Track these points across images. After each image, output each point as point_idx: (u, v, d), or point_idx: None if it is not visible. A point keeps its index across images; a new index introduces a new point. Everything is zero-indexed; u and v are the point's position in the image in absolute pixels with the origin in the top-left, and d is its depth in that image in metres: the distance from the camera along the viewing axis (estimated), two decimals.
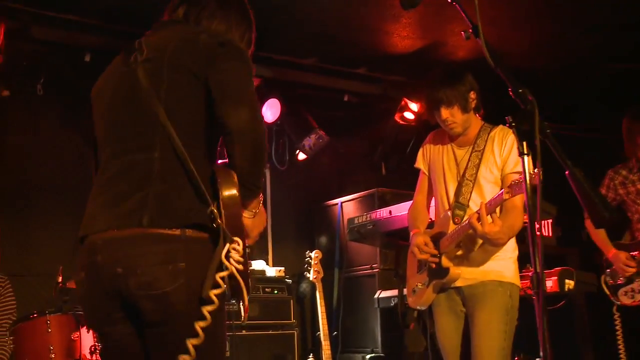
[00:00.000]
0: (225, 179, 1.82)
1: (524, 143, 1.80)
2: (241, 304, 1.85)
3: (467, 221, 2.89)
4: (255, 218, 1.95)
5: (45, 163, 4.90)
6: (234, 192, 1.81)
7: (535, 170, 2.15)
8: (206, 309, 1.72)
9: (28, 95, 4.77)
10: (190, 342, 1.72)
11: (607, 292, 4.04)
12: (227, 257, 1.77)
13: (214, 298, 1.72)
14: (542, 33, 5.10)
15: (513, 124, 1.82)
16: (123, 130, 1.91)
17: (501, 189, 3.03)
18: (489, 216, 2.78)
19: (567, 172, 1.83)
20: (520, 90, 1.81)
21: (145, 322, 1.82)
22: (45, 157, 4.91)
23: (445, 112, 3.03)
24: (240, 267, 1.78)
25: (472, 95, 3.06)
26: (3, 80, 4.43)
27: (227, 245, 1.77)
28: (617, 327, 4.05)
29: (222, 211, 1.79)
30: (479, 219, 2.78)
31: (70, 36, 4.69)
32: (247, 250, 1.85)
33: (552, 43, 5.25)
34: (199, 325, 1.72)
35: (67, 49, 4.72)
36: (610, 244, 4.09)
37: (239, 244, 1.79)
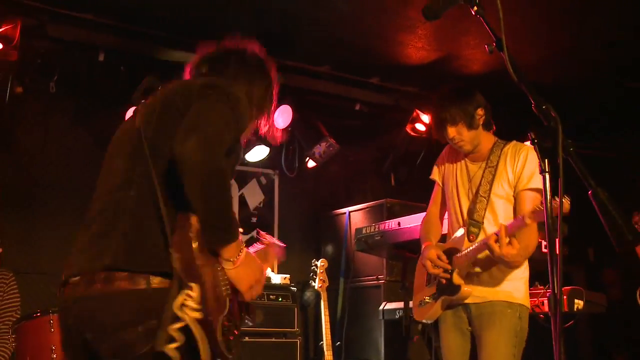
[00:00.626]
0: (181, 221, 1.72)
1: (546, 160, 1.76)
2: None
3: (483, 241, 2.88)
4: (239, 268, 1.80)
5: (54, 161, 4.91)
6: (186, 233, 1.70)
7: (558, 199, 2.12)
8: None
9: (41, 93, 4.78)
10: None
11: None
12: (182, 306, 1.65)
13: (172, 353, 1.62)
14: (555, 47, 5.08)
15: (535, 140, 1.78)
16: (113, 173, 1.90)
17: (514, 206, 3.03)
18: (507, 238, 2.76)
19: (590, 192, 1.78)
20: (543, 106, 1.78)
21: None
22: (55, 155, 4.92)
23: (451, 131, 3.04)
24: (196, 314, 1.66)
25: (480, 112, 3.06)
26: (17, 77, 4.45)
27: (182, 293, 1.65)
28: None
29: (175, 255, 1.69)
30: (497, 241, 2.77)
31: (85, 35, 4.71)
32: (208, 297, 1.70)
33: (565, 57, 5.23)
34: None
35: (81, 47, 4.74)
36: None
37: (193, 290, 1.66)
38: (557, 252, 1.71)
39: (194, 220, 1.71)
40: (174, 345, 1.62)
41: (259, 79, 2.11)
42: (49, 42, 4.58)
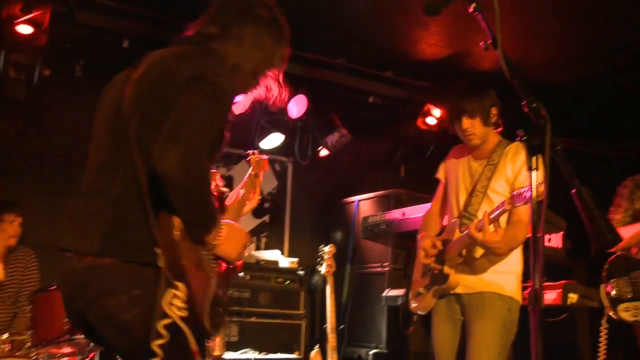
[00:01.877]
0: (164, 220, 1.76)
1: (534, 158, 1.81)
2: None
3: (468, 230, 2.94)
4: (223, 244, 1.86)
5: (78, 141, 5.05)
6: (170, 233, 1.75)
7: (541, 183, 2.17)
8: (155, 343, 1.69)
9: (67, 77, 4.95)
10: None
11: (607, 304, 4.01)
12: (170, 304, 1.71)
13: (156, 349, 1.68)
14: (566, 49, 5.15)
15: (524, 137, 1.82)
16: (101, 149, 1.91)
17: None
18: (491, 225, 2.82)
19: (573, 191, 1.82)
20: (534, 105, 1.80)
21: (113, 349, 1.89)
22: (79, 136, 5.06)
23: (466, 122, 3.08)
24: (183, 313, 1.72)
25: (494, 110, 3.11)
26: (45, 61, 4.59)
27: (170, 292, 1.72)
28: (603, 340, 4.02)
29: (161, 255, 1.73)
30: (478, 228, 2.83)
31: (111, 22, 4.86)
32: (193, 292, 1.77)
33: (576, 59, 5.30)
34: None
35: (107, 34, 4.89)
36: None
37: (180, 290, 1.73)
38: (540, 256, 1.75)
39: (177, 220, 1.77)
40: (159, 341, 1.69)
41: (268, 40, 2.04)
42: (77, 27, 4.74)
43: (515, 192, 2.72)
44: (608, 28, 4.80)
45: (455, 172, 3.27)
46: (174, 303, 1.71)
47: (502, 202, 2.81)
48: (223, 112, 1.82)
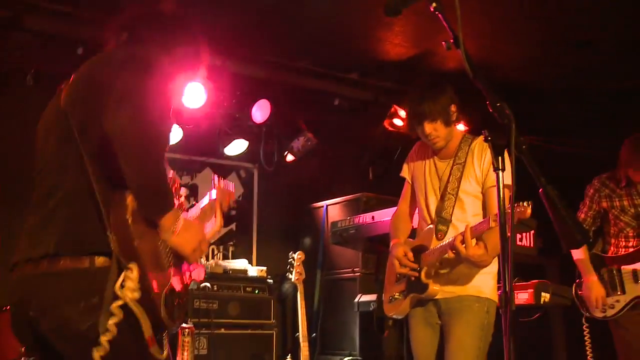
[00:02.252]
0: (116, 201, 1.74)
1: (499, 158, 1.79)
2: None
3: (450, 242, 2.88)
4: (180, 235, 1.83)
5: (33, 155, 4.89)
6: (122, 214, 1.72)
7: (525, 204, 2.15)
8: (103, 338, 1.67)
9: (18, 87, 4.77)
10: None
11: (578, 303, 4.05)
12: (122, 286, 1.69)
13: (110, 327, 1.66)
14: (535, 48, 5.16)
15: (489, 138, 1.81)
16: (46, 155, 1.90)
17: (482, 202, 3.04)
18: (473, 239, 2.78)
19: (540, 190, 1.81)
20: (498, 104, 1.79)
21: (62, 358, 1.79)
22: (33, 149, 4.89)
23: (428, 127, 3.02)
24: (134, 295, 1.69)
25: (453, 108, 3.06)
26: None
27: (123, 273, 1.70)
28: (586, 339, 4.06)
29: (113, 237, 1.71)
30: (462, 242, 2.78)
31: (63, 28, 4.69)
32: (148, 276, 1.74)
33: (544, 59, 5.31)
34: (97, 353, 1.66)
35: (59, 41, 4.71)
36: (591, 270, 3.95)
37: (132, 271, 1.70)
38: (509, 256, 1.74)
39: (129, 200, 1.73)
40: (112, 320, 1.66)
41: (180, 39, 2.06)
42: (26, 34, 4.57)
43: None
44: (573, 26, 4.80)
45: (421, 172, 3.22)
46: (126, 284, 1.68)
47: (487, 219, 2.76)
48: (163, 87, 1.82)
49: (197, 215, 2.42)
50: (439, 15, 1.91)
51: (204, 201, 2.45)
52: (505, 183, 2.93)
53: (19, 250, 1.85)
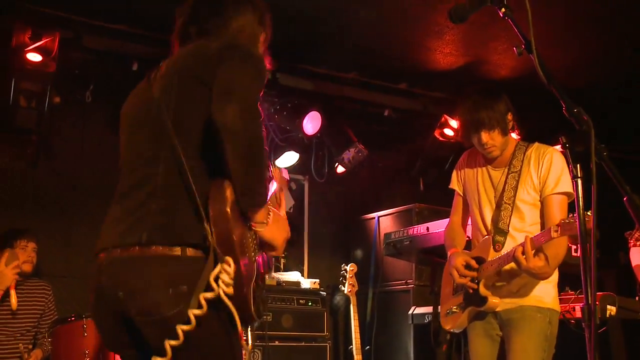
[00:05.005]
0: (215, 193, 1.72)
1: (578, 165, 1.73)
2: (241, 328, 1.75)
3: (509, 253, 2.80)
4: (270, 227, 1.85)
5: (91, 167, 5.04)
6: (222, 207, 1.70)
7: (589, 214, 2.01)
8: (181, 328, 1.64)
9: (77, 103, 4.92)
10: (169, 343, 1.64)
11: None
12: (217, 278, 1.66)
13: (192, 318, 1.63)
14: (585, 51, 5.04)
15: (567, 145, 1.75)
16: (138, 146, 1.89)
17: (541, 210, 2.95)
18: (532, 251, 2.69)
19: (625, 199, 1.74)
20: (575, 110, 1.73)
21: (151, 348, 1.74)
22: (91, 162, 5.04)
23: (485, 136, 2.94)
24: (229, 290, 1.67)
25: (509, 116, 2.99)
26: (55, 88, 4.57)
27: (218, 266, 1.67)
28: None
29: (212, 229, 1.69)
30: (523, 253, 2.70)
31: (119, 45, 4.83)
32: (242, 271, 1.72)
33: (595, 61, 5.19)
34: (176, 342, 1.64)
35: (115, 57, 4.86)
36: None
37: (229, 265, 1.68)
38: (592, 268, 1.69)
39: (228, 193, 1.72)
40: (198, 312, 1.64)
41: (250, 21, 2.03)
42: (85, 53, 4.72)
43: (566, 221, 2.59)
44: (627, 32, 4.68)
45: (473, 182, 3.13)
46: (222, 277, 1.66)
47: (549, 229, 2.67)
48: (262, 76, 1.82)
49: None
50: (509, 20, 1.87)
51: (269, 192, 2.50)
52: (564, 190, 2.90)
53: (104, 238, 1.83)
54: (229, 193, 1.72)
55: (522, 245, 2.72)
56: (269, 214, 1.84)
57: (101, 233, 1.87)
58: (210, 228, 1.69)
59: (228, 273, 1.66)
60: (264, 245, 1.90)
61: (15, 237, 4.17)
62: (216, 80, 1.73)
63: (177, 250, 1.71)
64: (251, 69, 1.78)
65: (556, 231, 2.60)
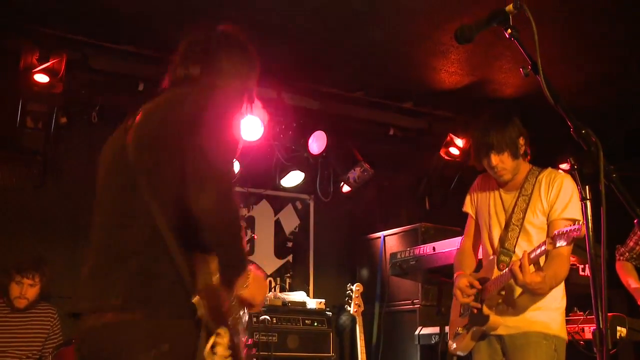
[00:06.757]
0: (202, 268, 1.74)
1: (587, 187, 1.70)
2: None
3: (508, 269, 2.78)
4: (250, 287, 1.85)
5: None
6: (210, 280, 1.73)
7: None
8: None
9: (84, 123, 4.94)
10: None
11: None
12: (213, 351, 1.67)
13: None
14: (594, 72, 5.04)
15: (575, 166, 1.72)
16: (111, 199, 1.88)
17: (547, 234, 2.95)
18: (531, 266, 2.66)
19: (635, 221, 1.72)
20: (583, 131, 1.71)
21: None
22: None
23: (495, 159, 2.92)
24: None
25: (521, 141, 2.97)
26: (61, 108, 4.59)
27: (212, 338, 1.68)
28: None
29: (202, 302, 1.69)
30: (521, 267, 2.67)
31: (126, 66, 4.85)
32: (233, 340, 1.73)
33: (604, 82, 5.19)
34: None
35: (122, 78, 4.88)
36: None
37: (222, 336, 1.69)
38: (602, 291, 1.67)
39: (213, 266, 1.75)
40: None
41: (241, 65, 2.05)
42: (92, 74, 4.74)
43: (557, 232, 2.55)
44: (632, 50, 4.68)
45: (485, 205, 3.13)
46: (218, 351, 1.67)
47: (543, 242, 2.65)
48: (234, 128, 1.80)
49: None
50: (515, 41, 1.86)
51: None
52: (570, 217, 2.87)
53: (82, 297, 1.81)
54: (214, 267, 1.75)
55: (521, 259, 2.70)
56: (248, 276, 1.85)
57: (78, 289, 1.84)
58: (200, 301, 1.69)
59: (222, 345, 1.69)
60: (244, 303, 1.91)
61: (17, 271, 4.16)
62: (188, 161, 1.69)
63: (156, 316, 1.71)
64: (220, 131, 1.75)
65: (550, 243, 2.57)
